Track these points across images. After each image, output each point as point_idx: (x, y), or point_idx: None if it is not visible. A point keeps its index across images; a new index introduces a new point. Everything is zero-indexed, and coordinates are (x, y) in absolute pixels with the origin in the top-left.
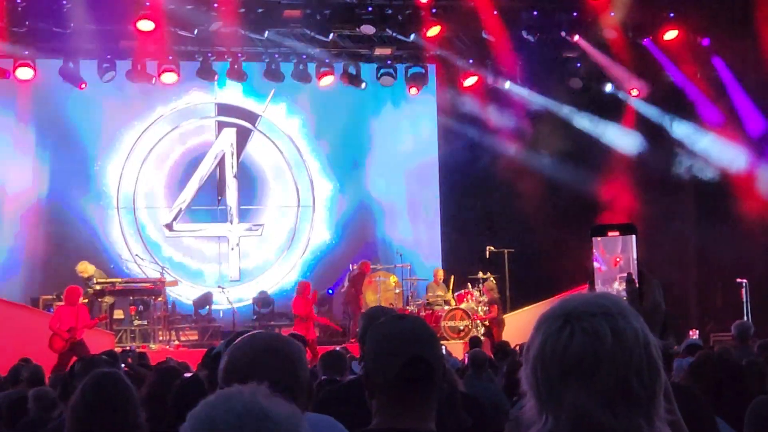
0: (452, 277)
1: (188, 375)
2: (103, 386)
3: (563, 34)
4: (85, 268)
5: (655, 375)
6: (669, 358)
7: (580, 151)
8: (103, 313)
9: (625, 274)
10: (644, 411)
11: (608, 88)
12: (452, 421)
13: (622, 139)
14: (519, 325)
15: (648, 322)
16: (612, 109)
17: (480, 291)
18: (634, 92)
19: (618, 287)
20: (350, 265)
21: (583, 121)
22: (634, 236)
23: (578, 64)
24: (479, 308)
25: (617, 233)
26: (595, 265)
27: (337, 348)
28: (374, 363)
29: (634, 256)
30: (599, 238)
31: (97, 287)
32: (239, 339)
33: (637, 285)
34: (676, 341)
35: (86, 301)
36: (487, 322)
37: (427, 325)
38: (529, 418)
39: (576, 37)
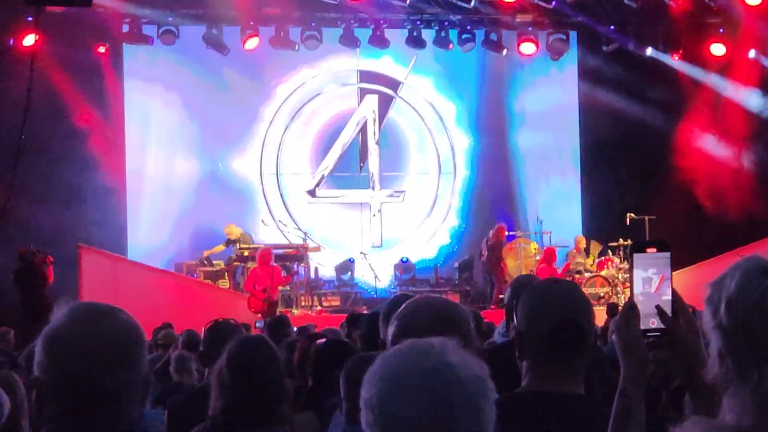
0: (593, 244)
1: (322, 340)
2: (248, 350)
3: None
4: (231, 231)
5: None
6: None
7: (721, 118)
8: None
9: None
10: None
11: (751, 54)
12: (600, 381)
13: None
14: None
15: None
16: (754, 76)
17: (620, 258)
18: None
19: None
20: (489, 233)
21: (727, 88)
22: (668, 253)
23: (721, 30)
24: (620, 275)
25: (654, 250)
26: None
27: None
28: (527, 325)
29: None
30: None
31: (240, 253)
32: (408, 304)
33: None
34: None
35: (228, 265)
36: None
37: (580, 290)
38: (714, 379)
39: (719, 2)
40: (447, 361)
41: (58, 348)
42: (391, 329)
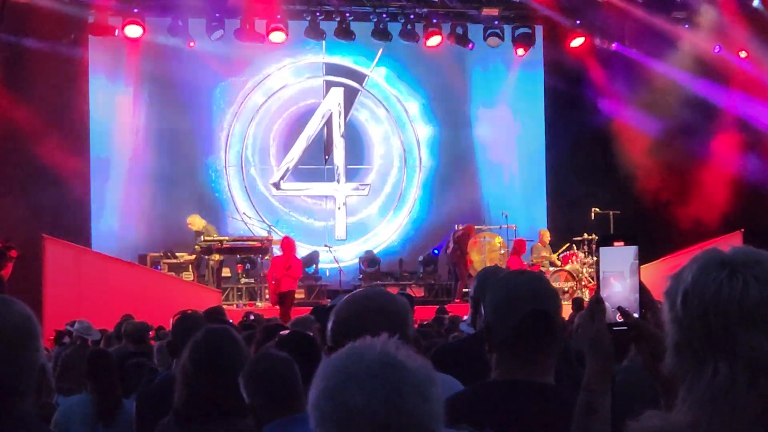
0: (558, 239)
1: (285, 332)
2: (214, 342)
3: None
4: (194, 221)
5: None
6: None
7: (686, 113)
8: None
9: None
10: None
11: (716, 49)
12: (568, 375)
13: (729, 101)
14: None
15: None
16: (720, 71)
17: (585, 253)
18: (743, 54)
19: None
20: (455, 226)
21: (691, 83)
22: (636, 247)
23: (686, 26)
24: (584, 270)
25: (622, 243)
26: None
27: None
28: (495, 316)
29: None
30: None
31: (205, 245)
32: (345, 298)
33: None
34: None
35: (193, 257)
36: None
37: (545, 280)
38: (671, 372)
39: None
40: (391, 352)
41: None
42: (329, 323)
